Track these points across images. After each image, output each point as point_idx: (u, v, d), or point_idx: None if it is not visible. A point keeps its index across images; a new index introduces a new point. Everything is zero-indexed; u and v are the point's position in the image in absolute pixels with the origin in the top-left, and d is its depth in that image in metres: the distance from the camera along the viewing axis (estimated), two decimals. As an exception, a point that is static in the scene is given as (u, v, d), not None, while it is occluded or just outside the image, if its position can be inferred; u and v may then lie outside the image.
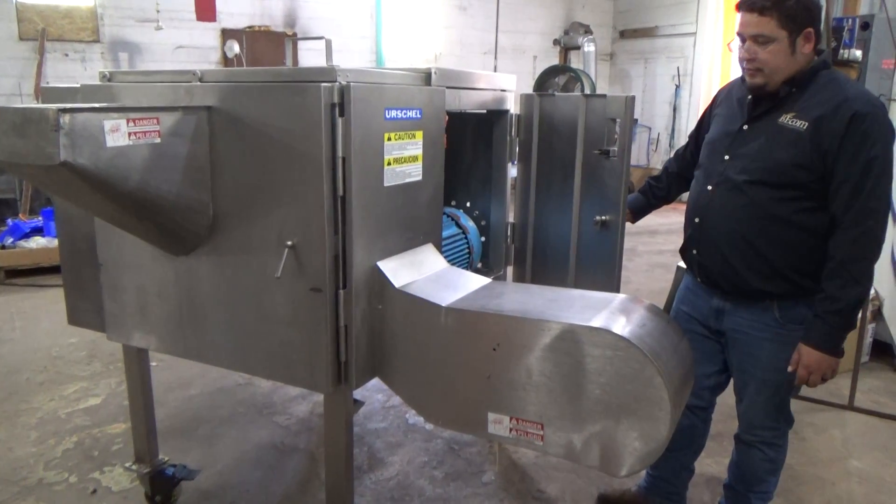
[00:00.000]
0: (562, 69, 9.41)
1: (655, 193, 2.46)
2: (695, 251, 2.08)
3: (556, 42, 11.27)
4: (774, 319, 1.98)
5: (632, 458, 1.69)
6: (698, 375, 2.13)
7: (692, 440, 2.35)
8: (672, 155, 2.47)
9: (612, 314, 1.78)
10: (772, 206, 1.89)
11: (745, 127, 1.97)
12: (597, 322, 1.71)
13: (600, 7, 12.16)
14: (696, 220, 2.05)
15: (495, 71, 9.67)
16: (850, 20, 4.29)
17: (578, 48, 10.60)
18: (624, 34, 12.12)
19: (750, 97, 1.98)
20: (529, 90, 9.23)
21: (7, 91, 7.78)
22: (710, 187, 2.02)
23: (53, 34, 8.02)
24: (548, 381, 1.75)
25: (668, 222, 7.96)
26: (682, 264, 2.27)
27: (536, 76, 9.47)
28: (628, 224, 2.43)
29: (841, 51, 4.23)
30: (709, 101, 2.28)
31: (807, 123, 1.83)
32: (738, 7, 1.88)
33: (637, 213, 2.49)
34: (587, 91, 8.93)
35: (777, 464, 2.17)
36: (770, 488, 2.20)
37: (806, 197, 1.86)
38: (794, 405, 3.50)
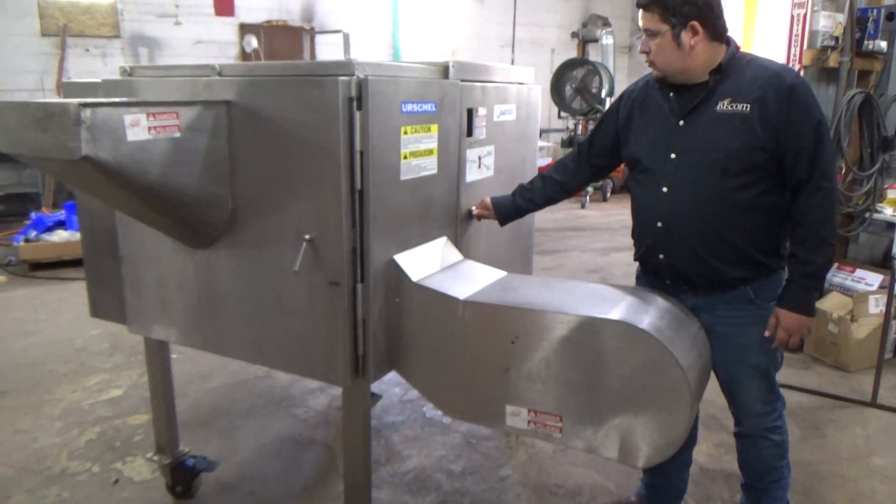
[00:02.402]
0: (580, 62, 9.35)
1: (525, 197, 2.37)
2: (661, 255, 2.03)
3: (574, 35, 11.18)
4: (750, 301, 1.98)
5: (650, 450, 1.69)
6: None
7: (690, 433, 2.32)
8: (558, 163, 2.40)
9: (630, 306, 1.77)
10: (735, 194, 1.88)
11: (682, 122, 1.95)
12: (615, 314, 1.70)
13: (618, -1, 12.05)
14: (659, 224, 2.00)
15: (513, 64, 9.63)
16: (875, 10, 4.21)
17: (597, 41, 10.50)
18: (643, 26, 11.99)
19: (672, 94, 1.97)
20: (547, 83, 9.22)
21: (30, 87, 7.89)
22: (664, 189, 1.98)
23: (74, 30, 8.12)
24: (566, 373, 1.74)
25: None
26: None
27: (554, 69, 9.42)
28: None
29: (865, 42, 4.16)
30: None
31: (748, 105, 1.83)
32: (637, 6, 1.93)
33: (504, 217, 2.39)
34: (605, 84, 8.87)
35: (784, 446, 2.15)
36: (785, 473, 2.18)
37: (763, 177, 1.87)
38: (816, 402, 3.49)
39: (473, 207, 2.36)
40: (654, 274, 2.12)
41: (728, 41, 1.93)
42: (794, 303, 1.92)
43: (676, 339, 1.71)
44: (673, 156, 1.96)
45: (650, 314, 1.76)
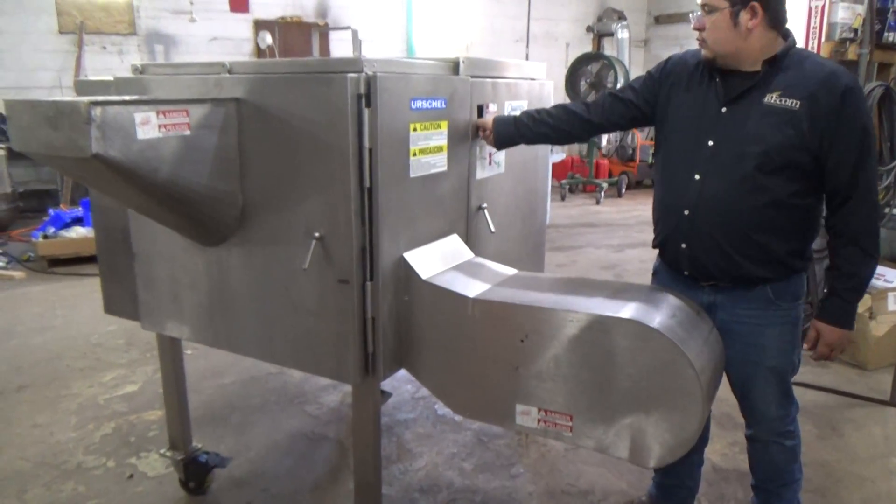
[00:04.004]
0: (595, 56, 9.27)
1: (538, 121, 2.19)
2: (683, 245, 1.97)
3: (588, 29, 11.08)
4: (770, 301, 1.93)
5: (662, 450, 1.67)
6: None
7: (702, 433, 2.29)
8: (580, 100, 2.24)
9: (641, 305, 1.75)
10: (769, 191, 1.82)
11: (724, 109, 1.87)
12: (626, 313, 1.68)
13: (634, -8, 11.93)
14: (686, 212, 1.93)
15: (527, 59, 9.58)
16: (895, 1, 4.13)
17: (612, 35, 10.41)
18: (659, 20, 11.88)
19: (718, 78, 1.89)
20: (562, 78, 9.16)
21: (48, 84, 7.98)
22: (697, 176, 1.90)
23: (91, 27, 8.20)
24: (577, 372, 1.73)
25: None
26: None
27: (569, 64, 9.36)
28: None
29: (885, 33, 4.08)
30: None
31: (799, 102, 1.77)
32: None
33: (502, 139, 2.22)
34: (620, 79, 8.79)
35: (796, 451, 2.12)
36: (797, 476, 2.15)
37: (800, 177, 1.82)
38: (832, 401, 3.44)
39: (473, 126, 2.22)
40: (672, 263, 2.06)
41: (786, 34, 1.86)
42: (836, 317, 1.89)
43: (689, 339, 1.69)
44: (710, 143, 1.89)
45: (662, 313, 1.73)
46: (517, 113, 2.30)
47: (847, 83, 1.77)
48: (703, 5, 1.84)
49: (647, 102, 2.08)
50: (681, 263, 2.02)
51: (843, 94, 1.75)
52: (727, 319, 1.98)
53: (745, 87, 1.84)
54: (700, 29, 1.86)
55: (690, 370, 1.59)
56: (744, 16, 1.78)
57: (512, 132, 2.22)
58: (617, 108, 2.14)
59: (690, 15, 1.93)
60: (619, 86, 8.85)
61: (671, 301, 1.84)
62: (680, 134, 1.98)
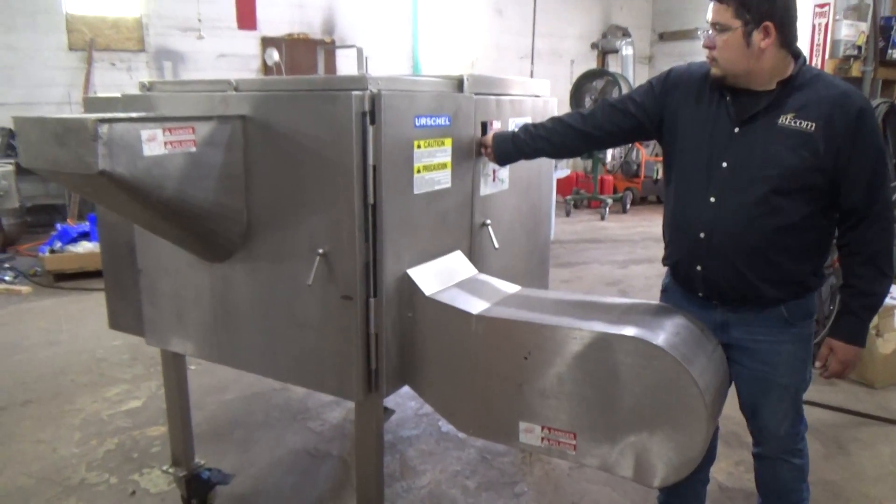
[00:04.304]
0: (599, 73, 9.33)
1: (535, 135, 2.16)
2: (699, 267, 1.94)
3: (593, 45, 11.18)
4: (784, 320, 1.92)
5: (666, 469, 1.65)
6: None
7: (708, 452, 2.27)
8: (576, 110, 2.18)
9: (645, 322, 1.75)
10: (788, 213, 1.80)
11: (737, 130, 1.85)
12: (630, 330, 1.67)
13: (638, 9, 12.02)
14: (702, 235, 1.90)
15: (532, 76, 9.64)
16: (899, 19, 4.15)
17: (616, 51, 10.50)
18: (663, 36, 11.95)
19: (729, 97, 1.87)
20: (566, 94, 9.20)
21: (57, 100, 8.06)
22: (712, 199, 1.87)
23: (101, 44, 8.29)
24: (580, 390, 1.72)
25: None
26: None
27: (574, 80, 9.41)
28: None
29: (889, 50, 4.09)
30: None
31: (814, 123, 1.75)
32: None
33: (501, 155, 2.20)
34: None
35: (805, 469, 2.09)
36: (805, 494, 2.12)
37: (816, 199, 1.81)
38: (840, 419, 3.41)
39: (477, 144, 2.21)
40: (685, 284, 2.04)
41: (797, 53, 1.84)
42: (851, 334, 1.88)
43: (693, 357, 1.68)
44: (724, 164, 1.86)
45: (666, 330, 1.73)
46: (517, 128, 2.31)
47: (862, 104, 1.77)
48: (713, 24, 1.81)
49: (648, 115, 2.03)
50: (695, 284, 1.99)
51: (858, 115, 1.74)
52: (741, 338, 1.96)
53: (758, 108, 1.82)
54: (710, 47, 1.83)
55: (694, 388, 1.58)
56: (756, 36, 1.76)
57: (510, 149, 2.21)
58: (615, 119, 2.08)
59: (699, 32, 1.92)
60: (623, 102, 8.88)
61: (675, 319, 1.84)
62: (692, 154, 1.94)
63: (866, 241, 1.82)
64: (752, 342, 1.95)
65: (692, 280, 1.99)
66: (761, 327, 1.94)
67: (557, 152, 2.26)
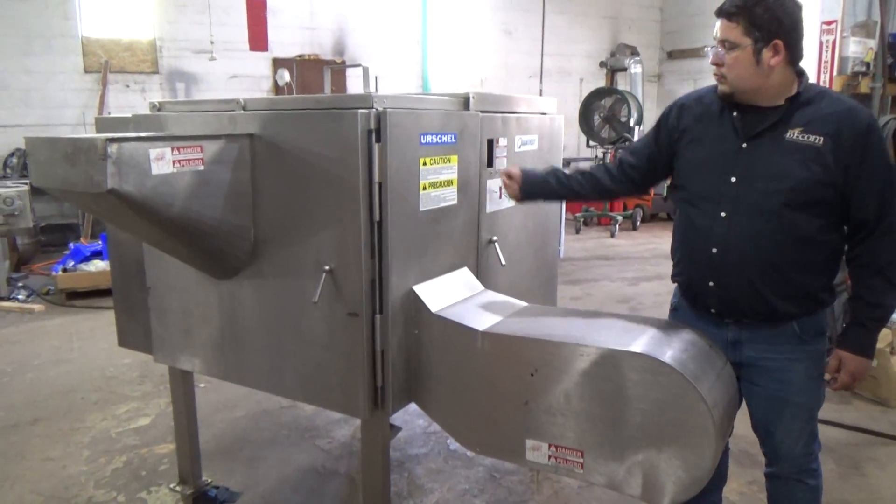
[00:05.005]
0: (608, 91, 9.35)
1: (565, 186, 2.18)
2: (711, 283, 1.92)
3: (602, 64, 11.23)
4: (796, 336, 1.90)
5: (675, 488, 1.63)
6: None
7: (719, 471, 2.22)
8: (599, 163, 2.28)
9: (652, 338, 1.74)
10: (796, 226, 1.80)
11: (745, 145, 1.85)
12: (637, 347, 1.66)
13: (647, 28, 12.08)
14: (714, 250, 1.89)
15: (541, 94, 9.69)
16: (908, 35, 4.14)
17: (625, 70, 10.52)
18: (672, 55, 11.98)
19: (736, 113, 1.87)
20: (575, 113, 9.23)
21: (73, 121, 8.19)
22: (723, 214, 1.87)
23: (115, 66, 8.43)
24: (587, 407, 1.71)
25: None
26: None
27: (582, 99, 9.44)
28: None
29: (899, 67, 4.09)
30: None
31: (822, 138, 1.76)
32: (716, 15, 1.84)
33: (527, 194, 2.19)
34: (634, 113, 8.85)
35: (819, 490, 2.05)
36: None
37: (826, 213, 1.81)
38: (855, 438, 3.35)
39: (502, 174, 2.20)
40: (697, 301, 2.01)
41: (800, 71, 1.85)
42: (859, 345, 1.87)
43: (701, 373, 1.66)
44: (733, 179, 1.86)
45: (674, 347, 1.71)
46: (527, 147, 2.33)
47: (869, 120, 1.78)
48: (722, 41, 1.80)
49: (661, 149, 2.05)
50: (707, 301, 1.97)
51: (866, 130, 1.75)
52: (754, 356, 1.94)
53: (766, 124, 1.82)
54: (719, 64, 1.83)
55: (703, 405, 1.56)
56: (766, 53, 1.76)
57: (537, 192, 2.21)
58: (635, 155, 2.13)
59: (707, 49, 1.90)
60: (632, 120, 8.91)
61: (683, 335, 1.82)
62: (701, 171, 1.95)
63: (876, 253, 1.82)
64: (765, 360, 1.93)
65: (705, 296, 1.97)
66: (774, 345, 1.92)
67: (582, 199, 2.30)
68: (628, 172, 2.14)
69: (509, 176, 2.19)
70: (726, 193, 1.87)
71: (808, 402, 1.96)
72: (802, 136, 1.78)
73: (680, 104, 2.05)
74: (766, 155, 1.82)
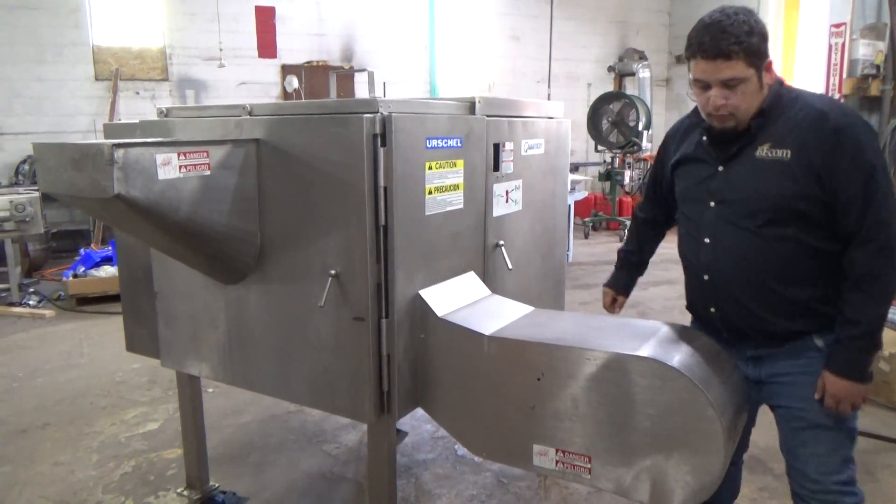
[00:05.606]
0: (616, 95, 9.32)
1: (640, 262, 2.34)
2: (713, 309, 1.89)
3: (610, 69, 11.19)
4: (818, 351, 1.80)
5: (684, 494, 1.61)
6: None
7: (732, 486, 2.14)
8: (634, 218, 2.38)
9: (660, 343, 1.72)
10: (782, 243, 1.74)
11: (721, 168, 1.82)
12: (644, 351, 1.65)
13: (655, 33, 12.05)
14: (706, 277, 1.87)
15: (549, 99, 9.68)
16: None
17: (633, 74, 10.49)
18: (680, 59, 11.95)
19: (705, 137, 1.85)
20: (583, 117, 9.22)
21: (83, 128, 8.25)
22: (707, 239, 1.85)
23: (126, 74, 8.50)
24: (594, 412, 1.69)
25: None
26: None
27: (590, 103, 9.43)
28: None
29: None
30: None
31: (789, 151, 1.70)
32: (694, 55, 1.71)
33: (629, 292, 2.34)
34: (642, 117, 8.82)
35: None
36: None
37: (813, 226, 1.72)
38: (868, 444, 3.31)
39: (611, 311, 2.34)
40: (707, 327, 1.95)
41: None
42: (842, 367, 1.73)
43: (709, 378, 1.65)
44: (712, 204, 1.84)
45: (681, 351, 1.70)
46: (534, 151, 2.34)
47: (837, 121, 1.67)
48: (725, 82, 1.69)
49: (665, 176, 2.08)
50: (715, 325, 1.92)
51: (833, 134, 1.66)
52: (774, 372, 1.85)
53: (740, 144, 1.78)
54: (722, 104, 1.72)
55: (711, 410, 1.54)
56: (765, 75, 1.72)
57: (628, 276, 2.35)
58: (658, 193, 2.19)
59: (687, 94, 1.87)
60: (640, 124, 8.88)
61: (692, 340, 1.81)
62: (684, 198, 1.96)
63: (854, 263, 1.71)
64: (785, 377, 1.84)
65: (711, 321, 1.93)
66: (795, 360, 1.82)
67: (655, 245, 2.37)
68: (660, 204, 2.20)
69: (609, 297, 2.33)
70: (707, 219, 1.86)
71: (834, 425, 1.80)
72: (770, 152, 1.73)
73: (669, 135, 2.08)
74: (739, 176, 1.79)
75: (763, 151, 1.74)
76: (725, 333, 1.91)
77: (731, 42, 1.65)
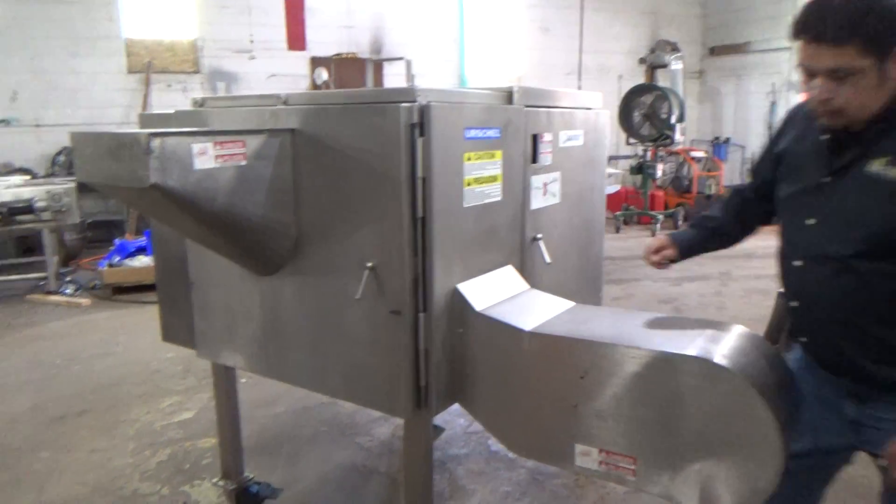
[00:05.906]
0: (648, 88, 9.17)
1: (714, 232, 1.97)
2: (804, 339, 1.67)
3: (641, 60, 11.01)
4: None
5: (734, 501, 1.55)
6: (822, 448, 1.72)
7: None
8: (732, 190, 1.99)
9: (709, 341, 1.65)
10: (881, 280, 1.46)
11: (827, 179, 1.53)
12: (693, 349, 1.58)
13: (688, 24, 11.81)
14: (794, 304, 1.64)
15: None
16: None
17: (665, 66, 10.30)
18: (714, 51, 11.69)
19: (827, 136, 1.54)
20: (614, 110, 9.07)
21: (117, 120, 8.38)
22: (798, 262, 1.60)
23: (158, 67, 8.60)
24: (640, 412, 1.63)
25: (766, 245, 7.55)
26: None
27: (622, 96, 9.28)
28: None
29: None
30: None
31: None
32: (798, 35, 1.42)
33: (684, 252, 1.98)
34: (675, 110, 8.65)
35: None
36: None
37: None
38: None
39: (648, 257, 1.99)
40: (809, 354, 1.71)
41: None
42: None
43: (763, 378, 1.57)
44: (808, 222, 1.56)
45: (733, 350, 1.63)
46: (572, 143, 2.25)
47: None
48: (832, 71, 1.40)
49: (773, 163, 1.76)
50: (809, 355, 1.71)
51: None
52: (881, 417, 1.57)
53: (854, 153, 1.48)
54: (827, 99, 1.44)
55: (766, 412, 1.47)
56: (891, 66, 1.39)
57: (693, 241, 2.00)
58: (754, 187, 1.90)
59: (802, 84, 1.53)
60: (673, 117, 8.69)
61: (742, 338, 1.73)
62: (781, 206, 1.69)
63: None
64: (887, 423, 1.55)
65: (806, 350, 1.72)
66: None
67: (740, 226, 2.00)
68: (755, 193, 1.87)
69: (659, 247, 1.98)
70: (802, 239, 1.59)
71: None
72: (886, 169, 1.42)
73: (788, 116, 1.73)
74: (846, 192, 1.49)
75: (878, 166, 1.44)
76: (820, 365, 1.68)
77: (840, 24, 1.36)
